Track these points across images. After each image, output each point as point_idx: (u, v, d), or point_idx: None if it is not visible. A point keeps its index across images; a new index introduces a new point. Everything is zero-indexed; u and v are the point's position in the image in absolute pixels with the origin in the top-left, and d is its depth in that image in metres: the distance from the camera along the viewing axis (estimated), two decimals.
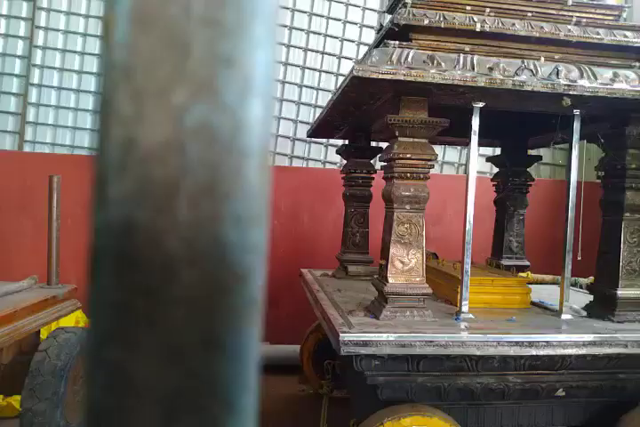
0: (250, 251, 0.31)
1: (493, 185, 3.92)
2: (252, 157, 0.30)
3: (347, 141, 3.90)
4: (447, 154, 5.73)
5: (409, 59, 2.21)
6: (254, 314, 0.32)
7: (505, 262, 3.65)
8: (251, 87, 0.30)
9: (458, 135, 3.14)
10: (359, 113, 2.92)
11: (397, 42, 2.34)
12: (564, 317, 2.53)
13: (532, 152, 3.91)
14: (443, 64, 2.23)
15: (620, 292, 2.50)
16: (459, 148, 5.62)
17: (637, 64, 2.55)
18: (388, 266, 2.37)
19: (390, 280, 2.34)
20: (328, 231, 4.87)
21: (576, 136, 2.58)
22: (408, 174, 2.40)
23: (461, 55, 2.30)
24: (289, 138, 5.47)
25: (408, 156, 2.39)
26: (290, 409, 3.55)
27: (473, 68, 2.24)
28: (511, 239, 3.71)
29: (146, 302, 0.29)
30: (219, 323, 0.30)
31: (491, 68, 2.26)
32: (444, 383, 2.27)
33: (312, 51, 5.57)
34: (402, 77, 2.13)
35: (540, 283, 3.62)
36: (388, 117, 2.38)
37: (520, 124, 3.53)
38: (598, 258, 2.70)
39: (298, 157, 5.48)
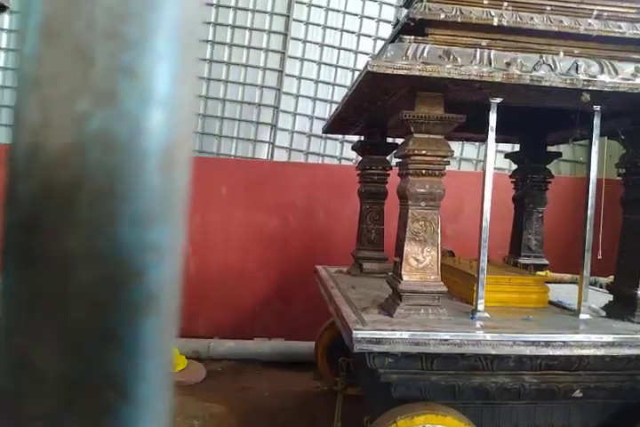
0: (148, 249, 0.32)
1: (512, 182, 3.86)
2: (151, 160, 0.31)
3: (362, 138, 3.88)
4: (465, 150, 5.67)
5: (424, 54, 2.19)
6: (153, 309, 0.33)
7: (523, 261, 3.60)
8: (151, 96, 0.32)
9: (475, 131, 3.09)
10: (374, 109, 2.90)
11: (413, 37, 2.31)
12: (582, 316, 2.48)
13: (551, 149, 3.83)
14: (459, 59, 2.20)
15: None
16: (477, 144, 5.55)
17: None
18: (403, 264, 2.35)
19: (405, 278, 2.33)
20: (343, 228, 4.86)
21: (596, 132, 2.52)
22: (423, 171, 2.38)
23: (478, 50, 2.26)
24: (305, 134, 5.46)
25: (423, 152, 2.36)
26: (304, 406, 3.56)
27: (490, 64, 2.21)
28: (530, 237, 3.65)
29: (47, 296, 0.31)
30: (115, 317, 0.32)
31: (508, 64, 2.22)
32: (459, 382, 2.25)
33: (328, 46, 5.55)
34: (417, 73, 2.11)
35: (559, 282, 3.55)
36: (403, 113, 2.35)
37: (539, 120, 3.47)
38: (618, 257, 2.65)
39: (314, 154, 5.48)
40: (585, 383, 2.34)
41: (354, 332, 2.04)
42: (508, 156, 3.99)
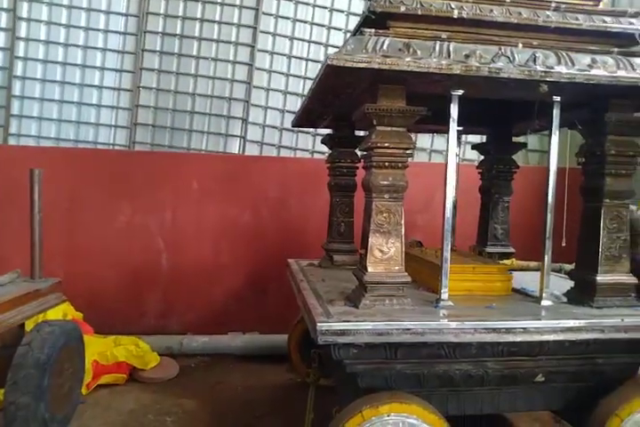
0: None
1: (479, 173, 3.92)
2: None
3: (332, 131, 3.88)
4: (436, 142, 5.72)
5: (384, 47, 2.20)
6: None
7: (490, 250, 3.67)
8: None
9: (443, 123, 3.12)
10: (339, 102, 2.90)
11: (373, 30, 2.31)
12: (543, 303, 2.54)
13: (518, 139, 3.90)
14: (419, 52, 2.21)
15: (600, 278, 2.51)
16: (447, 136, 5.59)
17: (616, 50, 2.53)
18: (368, 255, 2.37)
19: (369, 269, 2.35)
20: (317, 221, 4.86)
21: (555, 123, 2.57)
22: (386, 163, 2.40)
23: (438, 42, 2.28)
24: (276, 128, 5.44)
25: (386, 145, 2.38)
26: (277, 398, 3.58)
27: (449, 56, 2.23)
28: (496, 226, 3.72)
29: None
30: None
31: (467, 56, 2.25)
32: (424, 371, 2.29)
33: (298, 39, 5.52)
34: (377, 66, 2.12)
35: (525, 270, 3.62)
36: (365, 106, 2.36)
37: (504, 112, 3.52)
38: (578, 244, 2.72)
39: (286, 147, 5.46)
40: (546, 368, 2.41)
41: (318, 324, 2.06)
42: (474, 147, 4.05)
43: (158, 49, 5.34)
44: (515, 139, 3.82)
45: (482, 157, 4.00)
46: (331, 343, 2.08)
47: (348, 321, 2.10)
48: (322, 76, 2.32)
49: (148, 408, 3.32)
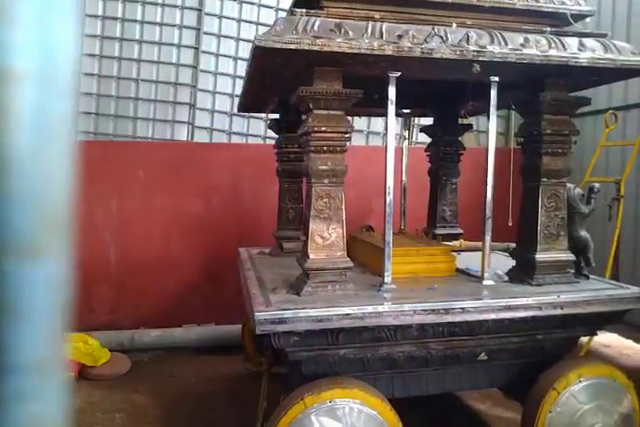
0: None
1: (427, 155, 3.92)
2: None
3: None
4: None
5: (315, 27, 2.13)
6: None
7: (439, 231, 3.69)
8: None
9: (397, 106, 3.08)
10: (280, 85, 2.82)
11: (305, 10, 2.24)
12: (485, 282, 2.57)
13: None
14: (350, 33, 2.16)
15: (539, 256, 2.56)
16: (399, 119, 5.58)
17: (549, 29, 2.54)
18: (309, 242, 2.34)
19: (311, 256, 2.32)
20: (271, 208, 4.78)
21: (493, 103, 2.57)
22: (325, 148, 2.35)
23: (370, 23, 2.23)
24: (226, 113, 5.31)
25: (323, 129, 2.33)
26: (232, 389, 3.55)
27: (382, 36, 2.18)
28: (444, 208, 3.75)
29: None
30: None
31: (400, 36, 2.21)
32: (367, 354, 2.29)
33: (246, 21, 5.38)
34: (307, 47, 2.06)
35: (474, 250, 3.67)
36: (300, 89, 2.30)
37: (449, 94, 3.52)
38: (519, 223, 2.75)
39: (237, 133, 5.35)
40: (488, 346, 2.45)
41: (255, 314, 2.02)
42: (422, 129, 4.05)
43: (99, 33, 5.11)
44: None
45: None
46: (269, 332, 2.05)
47: (287, 309, 2.07)
48: (253, 57, 2.24)
49: (96, 406, 3.23)
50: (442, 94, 3.53)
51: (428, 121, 5.09)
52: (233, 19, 5.38)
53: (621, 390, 2.44)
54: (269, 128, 3.90)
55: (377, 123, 5.61)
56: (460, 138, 3.82)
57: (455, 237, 3.67)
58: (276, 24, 2.13)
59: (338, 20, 2.21)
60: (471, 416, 3.22)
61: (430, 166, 3.89)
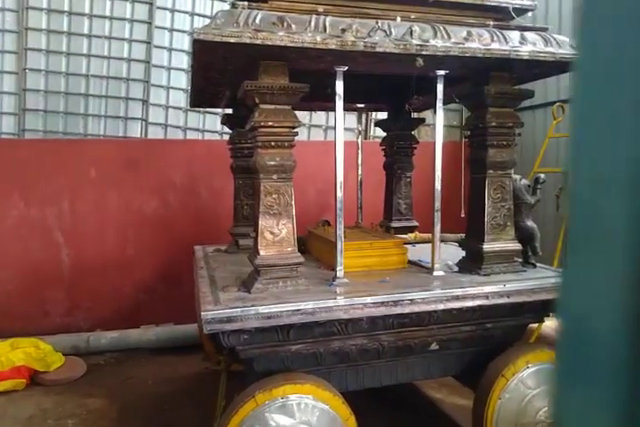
0: None
1: (382, 149, 3.95)
2: None
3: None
4: (346, 120, 5.70)
5: (257, 20, 2.10)
6: None
7: (395, 224, 3.73)
8: None
9: (346, 101, 3.08)
10: (226, 80, 2.78)
11: (246, 2, 2.21)
12: (435, 273, 2.61)
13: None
14: (293, 26, 2.14)
15: (486, 246, 2.61)
16: (355, 113, 5.60)
17: (492, 23, 2.58)
18: (259, 238, 2.32)
19: (261, 253, 2.30)
20: (228, 205, 4.74)
21: (440, 96, 2.59)
22: (272, 143, 2.33)
23: (314, 16, 2.22)
24: (181, 109, 5.21)
25: (270, 124, 2.31)
26: (191, 388, 3.51)
27: (325, 30, 2.17)
28: (400, 202, 3.78)
29: None
30: None
31: (343, 30, 2.20)
32: (320, 349, 2.30)
33: (199, 15, 5.27)
34: (248, 40, 2.03)
35: (428, 242, 3.72)
36: (246, 84, 2.27)
37: (401, 88, 3.53)
38: (468, 215, 2.80)
39: (192, 129, 5.26)
40: (439, 336, 2.49)
41: (203, 313, 1.99)
42: (377, 124, 4.07)
43: (44, 27, 4.91)
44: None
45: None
46: (218, 331, 2.02)
47: (236, 307, 2.05)
48: (194, 51, 2.19)
49: (48, 413, 3.13)
50: (394, 88, 3.55)
51: (385, 115, 5.17)
52: (186, 12, 5.26)
53: None
54: (222, 124, 3.85)
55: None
56: (414, 132, 3.87)
57: (410, 229, 3.71)
58: (216, 17, 2.08)
59: (280, 14, 2.19)
60: (427, 405, 3.28)
61: (385, 160, 3.91)
